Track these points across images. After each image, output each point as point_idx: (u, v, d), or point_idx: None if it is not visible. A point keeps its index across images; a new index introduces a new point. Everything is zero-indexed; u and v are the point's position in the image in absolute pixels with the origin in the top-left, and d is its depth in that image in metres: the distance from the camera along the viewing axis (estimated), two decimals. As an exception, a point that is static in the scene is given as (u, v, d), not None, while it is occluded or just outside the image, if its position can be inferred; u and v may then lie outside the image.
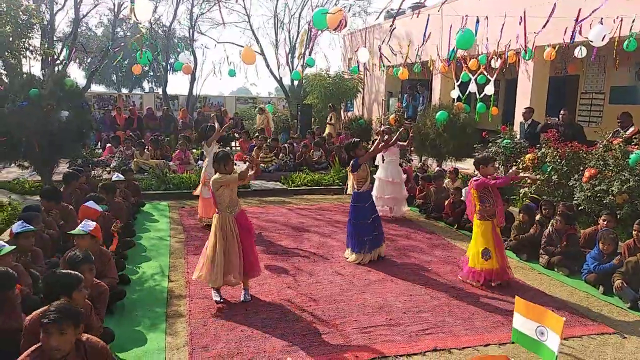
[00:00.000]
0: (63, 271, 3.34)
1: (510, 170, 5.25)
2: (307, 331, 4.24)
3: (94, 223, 4.52)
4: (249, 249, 4.76)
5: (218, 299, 4.76)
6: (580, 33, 8.85)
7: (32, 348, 2.74)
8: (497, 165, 5.49)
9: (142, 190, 8.97)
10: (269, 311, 4.61)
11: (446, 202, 8.12)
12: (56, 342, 2.65)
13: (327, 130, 15.73)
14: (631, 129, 8.53)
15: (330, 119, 16.33)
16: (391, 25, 9.65)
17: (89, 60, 23.31)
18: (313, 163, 12.17)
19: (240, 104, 23.47)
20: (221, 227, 4.63)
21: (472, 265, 5.38)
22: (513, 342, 4.03)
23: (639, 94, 12.41)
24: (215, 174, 4.72)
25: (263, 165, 11.44)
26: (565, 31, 9.44)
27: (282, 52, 22.40)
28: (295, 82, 20.89)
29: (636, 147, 7.22)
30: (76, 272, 3.34)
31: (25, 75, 9.14)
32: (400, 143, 8.23)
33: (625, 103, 11.97)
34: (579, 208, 7.17)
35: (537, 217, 6.64)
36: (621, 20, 8.63)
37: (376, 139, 7.92)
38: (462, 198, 8.10)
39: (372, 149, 6.84)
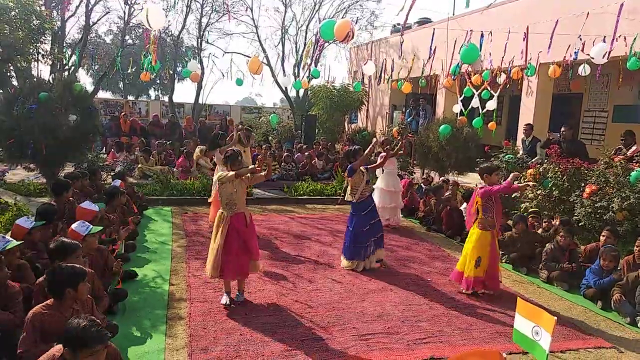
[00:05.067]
0: (68, 265, 3.37)
1: (511, 175, 5.30)
2: (305, 337, 4.27)
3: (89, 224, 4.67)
4: (233, 251, 4.75)
5: (226, 302, 4.80)
6: (582, 50, 8.94)
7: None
8: (500, 177, 5.58)
9: (146, 196, 9.11)
10: (268, 316, 4.65)
11: (443, 211, 8.16)
12: (104, 358, 2.70)
13: None
14: (634, 148, 8.56)
15: None
16: (401, 41, 9.78)
17: (97, 67, 23.59)
18: (317, 172, 12.23)
19: (245, 113, 23.67)
20: (217, 223, 4.81)
21: (461, 270, 5.46)
22: (513, 353, 4.06)
23: (642, 113, 12.46)
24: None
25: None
26: (568, 48, 9.53)
27: (288, 64, 22.65)
28: (301, 93, 20.99)
29: (637, 164, 7.27)
30: (80, 266, 3.40)
31: (35, 79, 9.27)
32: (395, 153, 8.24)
33: (629, 122, 12.02)
34: (580, 224, 7.20)
35: (539, 230, 6.66)
36: (625, 39, 8.73)
37: (379, 151, 7.98)
38: (461, 207, 8.16)
39: (378, 161, 7.07)
